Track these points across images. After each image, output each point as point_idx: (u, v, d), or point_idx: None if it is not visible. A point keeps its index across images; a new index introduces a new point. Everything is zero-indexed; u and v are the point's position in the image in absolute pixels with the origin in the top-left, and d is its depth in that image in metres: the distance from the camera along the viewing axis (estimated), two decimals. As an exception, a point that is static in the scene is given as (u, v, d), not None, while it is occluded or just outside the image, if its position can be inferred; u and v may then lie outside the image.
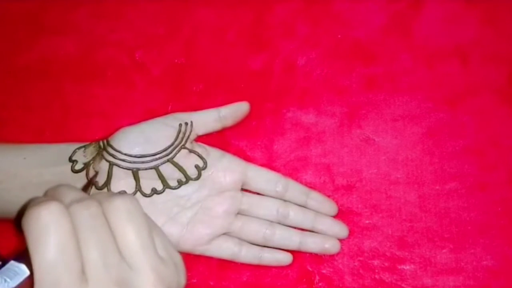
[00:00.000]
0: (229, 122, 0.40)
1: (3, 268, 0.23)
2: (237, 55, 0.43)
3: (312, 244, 0.37)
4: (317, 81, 0.42)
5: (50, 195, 0.27)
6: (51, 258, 0.22)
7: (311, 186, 0.39)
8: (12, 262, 0.23)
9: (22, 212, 0.30)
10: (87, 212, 0.24)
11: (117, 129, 0.38)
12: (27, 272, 0.23)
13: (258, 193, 0.39)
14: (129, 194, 0.26)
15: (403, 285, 0.37)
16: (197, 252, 0.37)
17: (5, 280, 0.22)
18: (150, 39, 0.44)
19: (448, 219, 0.38)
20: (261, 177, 0.39)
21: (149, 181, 0.37)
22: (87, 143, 0.38)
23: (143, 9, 0.45)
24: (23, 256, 0.23)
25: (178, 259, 0.27)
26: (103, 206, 0.25)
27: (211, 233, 0.37)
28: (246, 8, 0.44)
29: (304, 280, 0.38)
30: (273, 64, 0.43)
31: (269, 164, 0.40)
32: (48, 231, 0.22)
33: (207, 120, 0.39)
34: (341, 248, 0.38)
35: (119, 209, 0.25)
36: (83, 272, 0.23)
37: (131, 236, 0.24)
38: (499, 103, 0.40)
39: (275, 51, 0.43)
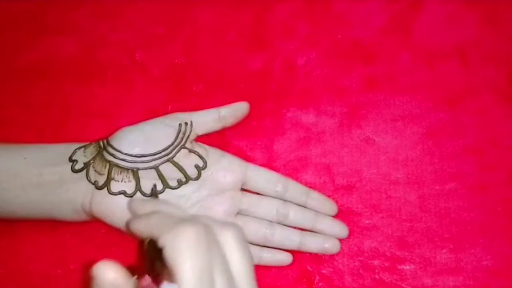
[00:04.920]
0: (229, 122, 0.40)
1: None
2: (237, 55, 0.43)
3: (312, 244, 0.37)
4: (317, 81, 0.42)
5: (151, 208, 0.28)
6: (197, 281, 0.23)
7: (311, 186, 0.39)
8: (165, 284, 0.23)
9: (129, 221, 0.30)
10: (210, 237, 0.25)
11: (117, 129, 0.38)
12: None
13: (258, 193, 0.39)
14: (236, 223, 0.27)
15: (403, 285, 0.37)
16: (197, 252, 0.37)
17: None
18: (150, 39, 0.44)
19: (448, 219, 0.38)
20: (261, 177, 0.39)
21: (149, 181, 0.37)
22: (87, 143, 0.38)
23: (143, 9, 0.45)
24: (163, 274, 0.23)
25: None
26: (216, 233, 0.26)
27: (211, 233, 0.37)
28: (246, 8, 0.44)
29: (304, 280, 0.38)
30: (273, 64, 0.43)
31: (269, 164, 0.40)
32: (197, 254, 0.23)
33: (207, 120, 0.39)
34: (341, 248, 0.38)
35: (232, 238, 0.26)
36: None
37: (241, 264, 0.25)
38: (499, 103, 0.40)
39: (275, 51, 0.43)
